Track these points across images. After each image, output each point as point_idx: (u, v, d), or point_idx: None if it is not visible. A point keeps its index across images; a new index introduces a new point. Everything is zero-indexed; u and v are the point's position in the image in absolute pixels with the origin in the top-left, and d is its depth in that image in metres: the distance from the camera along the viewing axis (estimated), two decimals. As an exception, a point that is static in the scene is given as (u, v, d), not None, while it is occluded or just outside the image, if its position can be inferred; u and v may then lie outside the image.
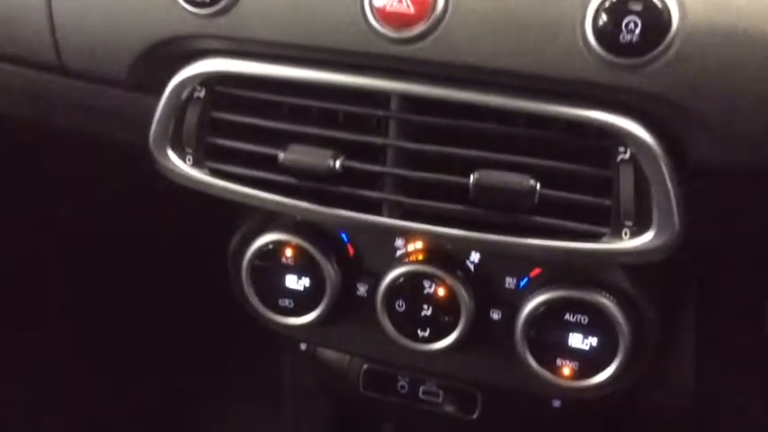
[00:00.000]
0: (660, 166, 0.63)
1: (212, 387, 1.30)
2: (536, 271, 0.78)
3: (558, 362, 0.77)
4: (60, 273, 1.18)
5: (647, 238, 0.65)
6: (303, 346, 0.96)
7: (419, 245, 0.80)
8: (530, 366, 0.77)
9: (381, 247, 0.81)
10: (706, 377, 1.07)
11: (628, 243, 0.66)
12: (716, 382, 1.09)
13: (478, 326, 0.79)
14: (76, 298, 1.20)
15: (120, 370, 1.24)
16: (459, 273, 0.78)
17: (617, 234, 0.66)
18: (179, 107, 0.73)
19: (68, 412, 1.23)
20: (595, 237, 0.67)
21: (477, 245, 0.73)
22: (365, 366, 0.92)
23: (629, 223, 0.65)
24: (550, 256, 0.69)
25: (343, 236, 0.82)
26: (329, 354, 0.95)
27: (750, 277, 0.97)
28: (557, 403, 0.89)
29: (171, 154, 0.75)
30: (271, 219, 0.82)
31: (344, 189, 0.71)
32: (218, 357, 1.31)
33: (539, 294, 0.76)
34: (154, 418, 1.28)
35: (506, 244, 0.69)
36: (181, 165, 0.75)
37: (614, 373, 0.76)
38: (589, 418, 0.96)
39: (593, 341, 0.76)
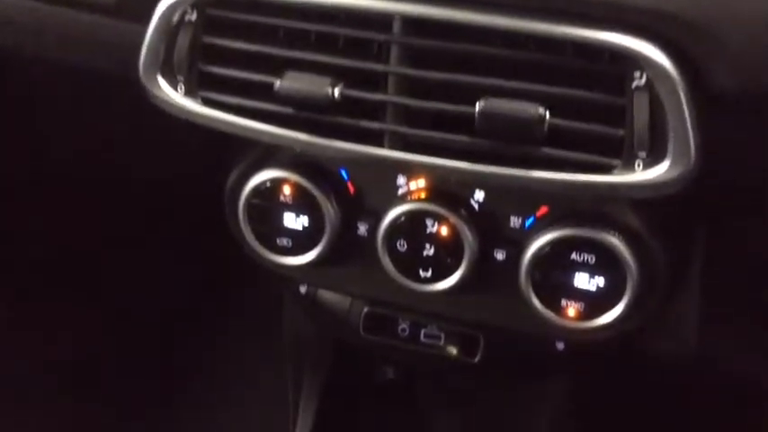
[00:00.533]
0: (678, 92, 0.60)
1: (211, 333, 1.29)
2: (542, 210, 0.75)
3: (563, 303, 0.75)
4: (54, 212, 1.16)
5: (661, 169, 0.62)
6: (303, 290, 0.94)
7: (422, 183, 0.77)
8: (534, 307, 0.75)
9: (383, 184, 0.78)
10: (710, 323, 1.05)
11: (641, 175, 0.63)
12: (719, 329, 1.07)
13: (482, 266, 0.77)
14: (71, 239, 1.18)
15: (117, 311, 1.22)
16: (462, 211, 0.76)
17: (629, 166, 0.63)
18: (169, 32, 0.69)
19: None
20: (606, 169, 0.64)
21: (483, 179, 0.71)
22: (366, 309, 0.90)
23: (643, 154, 0.62)
24: (559, 190, 0.66)
25: (343, 173, 0.79)
26: (329, 297, 0.93)
27: (757, 220, 0.94)
28: (560, 346, 0.87)
29: (162, 82, 0.71)
30: (269, 155, 0.79)
31: (344, 119, 0.68)
32: (218, 303, 1.29)
33: (544, 234, 0.73)
34: (153, 363, 1.27)
35: (513, 177, 0.66)
36: (172, 94, 0.72)
37: (621, 314, 0.73)
38: (592, 363, 0.94)
39: (600, 281, 0.73)
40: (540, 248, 0.73)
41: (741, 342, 1.08)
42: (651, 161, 0.63)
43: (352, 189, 0.79)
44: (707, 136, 0.63)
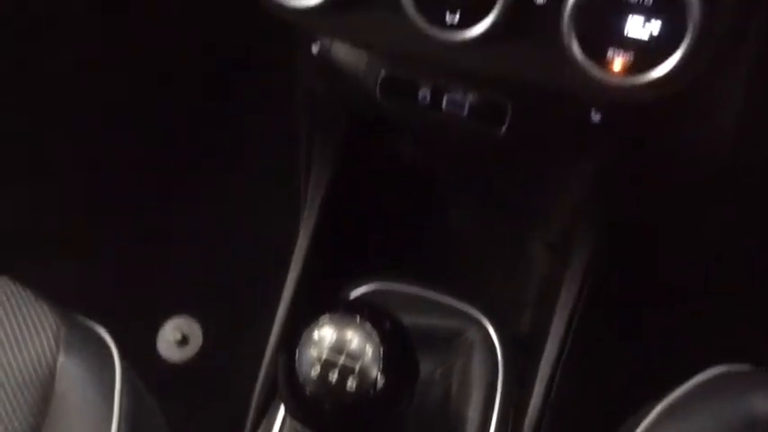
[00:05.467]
0: None
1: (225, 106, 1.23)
2: None
3: (610, 53, 0.66)
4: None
5: None
6: (315, 49, 0.85)
7: None
8: (575, 59, 0.66)
9: None
10: (754, 111, 0.96)
11: None
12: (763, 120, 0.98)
13: (519, 10, 0.67)
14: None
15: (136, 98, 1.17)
16: None
17: None
18: None
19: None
20: None
21: None
22: (383, 73, 0.82)
23: None
24: None
25: None
26: (344, 57, 0.84)
27: None
28: (596, 117, 0.79)
29: None
30: None
31: None
32: (232, 76, 1.23)
33: None
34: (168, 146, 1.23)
35: None
36: None
37: (674, 67, 0.64)
38: (626, 142, 0.86)
39: (655, 27, 0.64)
40: None
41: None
42: None
43: None
44: None
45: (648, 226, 0.97)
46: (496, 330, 0.82)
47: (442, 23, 0.69)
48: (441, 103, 0.81)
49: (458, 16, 0.68)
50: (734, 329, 1.05)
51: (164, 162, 1.29)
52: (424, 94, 0.82)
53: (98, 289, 1.26)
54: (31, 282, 0.79)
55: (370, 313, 0.63)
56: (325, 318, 0.62)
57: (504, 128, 0.81)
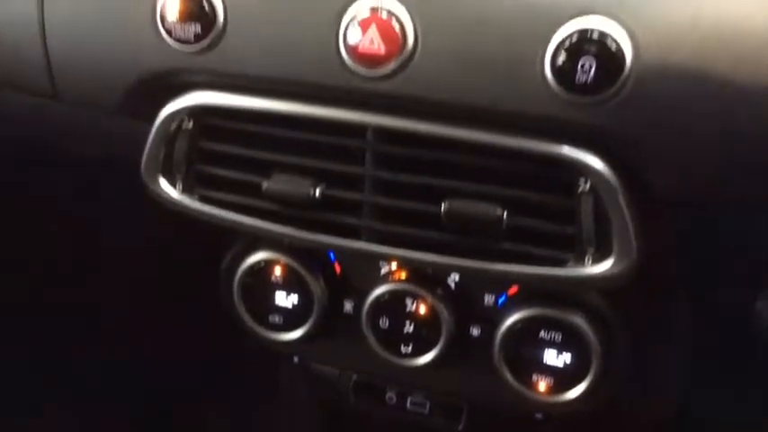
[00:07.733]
0: (618, 198, 0.66)
1: (210, 397, 1.33)
2: (514, 289, 0.81)
3: (534, 377, 0.80)
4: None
5: (607, 264, 0.68)
6: (296, 359, 1.00)
7: (402, 264, 0.83)
8: (507, 381, 0.81)
9: (367, 266, 0.84)
10: (693, 386, 1.09)
11: (590, 269, 0.69)
12: (703, 391, 1.11)
13: (459, 342, 0.82)
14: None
15: (118, 381, 1.27)
16: (439, 291, 0.82)
17: (580, 260, 0.69)
18: (168, 137, 0.76)
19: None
20: (560, 262, 0.70)
21: (451, 268, 0.77)
22: (355, 378, 0.96)
23: (591, 250, 0.68)
24: (519, 280, 0.72)
25: (331, 255, 0.85)
26: (321, 366, 0.99)
27: (731, 290, 0.99)
28: (539, 415, 0.92)
29: (162, 181, 0.78)
30: (260, 238, 0.86)
31: (325, 216, 0.75)
32: (217, 368, 1.34)
33: (515, 312, 0.79)
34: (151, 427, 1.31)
35: (476, 269, 0.72)
36: (171, 191, 0.78)
37: (586, 389, 0.79)
38: (573, 429, 0.99)
39: (567, 358, 0.79)
40: (512, 325, 0.79)
41: (726, 402, 1.11)
42: (599, 256, 0.69)
43: (338, 270, 0.85)
44: (656, 230, 0.68)
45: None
46: None
47: (398, 353, 0.84)
48: (405, 404, 0.95)
49: (410, 348, 0.83)
50: None
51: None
52: (391, 396, 0.96)
53: None
54: None
55: None
56: None
57: (461, 426, 0.94)
